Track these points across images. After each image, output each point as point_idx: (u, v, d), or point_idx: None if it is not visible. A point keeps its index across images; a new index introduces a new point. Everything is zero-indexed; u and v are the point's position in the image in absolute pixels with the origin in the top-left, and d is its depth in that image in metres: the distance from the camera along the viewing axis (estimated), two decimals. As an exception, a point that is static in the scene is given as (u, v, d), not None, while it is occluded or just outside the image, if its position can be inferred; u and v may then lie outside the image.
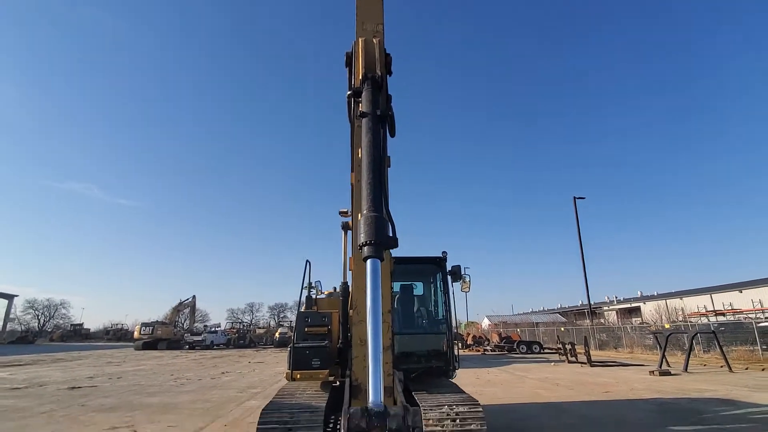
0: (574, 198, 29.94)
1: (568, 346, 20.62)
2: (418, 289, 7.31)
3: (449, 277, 6.49)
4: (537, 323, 44.56)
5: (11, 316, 64.24)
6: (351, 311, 5.02)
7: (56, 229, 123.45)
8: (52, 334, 68.44)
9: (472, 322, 58.08)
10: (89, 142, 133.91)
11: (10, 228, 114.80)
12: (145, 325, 42.34)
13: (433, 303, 7.02)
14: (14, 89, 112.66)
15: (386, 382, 2.51)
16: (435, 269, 6.62)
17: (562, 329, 33.29)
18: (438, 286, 6.76)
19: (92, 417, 8.46)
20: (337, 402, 7.22)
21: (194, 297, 50.43)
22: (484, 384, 12.82)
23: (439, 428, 4.90)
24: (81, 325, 75.20)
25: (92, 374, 17.07)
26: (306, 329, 7.30)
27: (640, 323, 38.46)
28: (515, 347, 28.64)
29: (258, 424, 4.89)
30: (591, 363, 18.36)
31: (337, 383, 7.02)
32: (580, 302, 58.14)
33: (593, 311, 33.90)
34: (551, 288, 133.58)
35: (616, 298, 64.38)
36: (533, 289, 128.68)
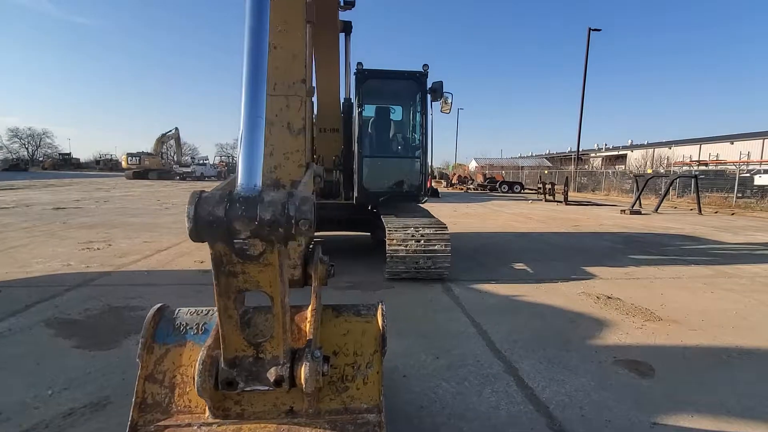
0: (589, 29, 26.70)
1: (548, 186, 21.16)
2: (397, 114, 6.56)
3: (428, 96, 5.67)
4: (522, 167, 45.52)
5: (-3, 144, 63.57)
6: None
7: (17, 52, 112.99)
8: (43, 163, 68.94)
9: (460, 164, 59.36)
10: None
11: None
12: (131, 155, 42.24)
13: (411, 128, 6.36)
14: None
15: (294, 173, 1.93)
16: (414, 87, 5.74)
17: (546, 172, 34.09)
18: (417, 108, 5.98)
19: (71, 233, 8.55)
20: None
21: (177, 129, 49.04)
22: (459, 216, 13.28)
23: (402, 248, 4.79)
24: (69, 154, 75.25)
25: (79, 198, 17.32)
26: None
27: (623, 170, 39.47)
28: (497, 187, 29.61)
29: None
30: (566, 202, 19.08)
31: None
32: (569, 149, 58.65)
33: (579, 157, 34.17)
34: (541, 135, 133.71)
35: (606, 145, 64.80)
36: (523, 136, 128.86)
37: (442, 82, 5.63)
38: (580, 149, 31.35)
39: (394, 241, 4.80)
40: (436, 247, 4.80)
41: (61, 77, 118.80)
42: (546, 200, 20.84)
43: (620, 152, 56.54)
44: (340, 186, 5.92)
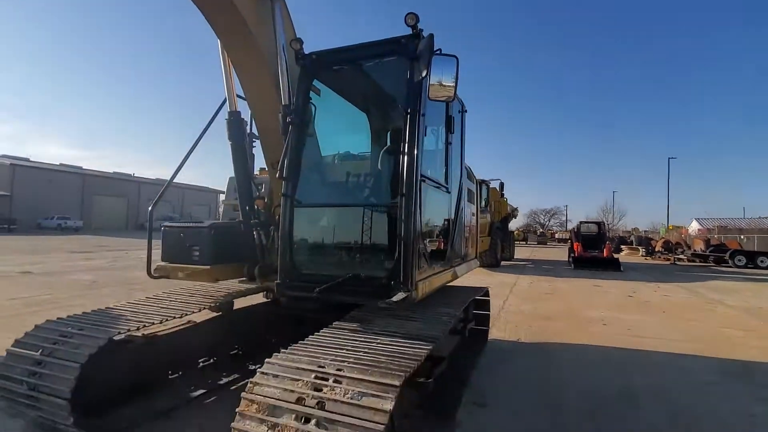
0: None
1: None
2: (363, 122, 3.85)
3: (417, 65, 2.74)
4: (777, 229, 31.77)
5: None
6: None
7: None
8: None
9: (677, 227, 45.88)
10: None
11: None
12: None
13: (390, 150, 3.47)
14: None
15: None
16: (399, 67, 2.90)
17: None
18: (404, 104, 3.06)
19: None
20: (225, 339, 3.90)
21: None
22: (633, 307, 8.38)
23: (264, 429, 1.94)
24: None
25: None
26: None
27: None
28: (727, 258, 20.53)
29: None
30: None
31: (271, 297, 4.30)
32: None
33: None
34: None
35: None
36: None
37: (432, 35, 2.67)
38: None
39: (252, 408, 1.97)
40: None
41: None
42: (822, 285, 12.61)
43: None
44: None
